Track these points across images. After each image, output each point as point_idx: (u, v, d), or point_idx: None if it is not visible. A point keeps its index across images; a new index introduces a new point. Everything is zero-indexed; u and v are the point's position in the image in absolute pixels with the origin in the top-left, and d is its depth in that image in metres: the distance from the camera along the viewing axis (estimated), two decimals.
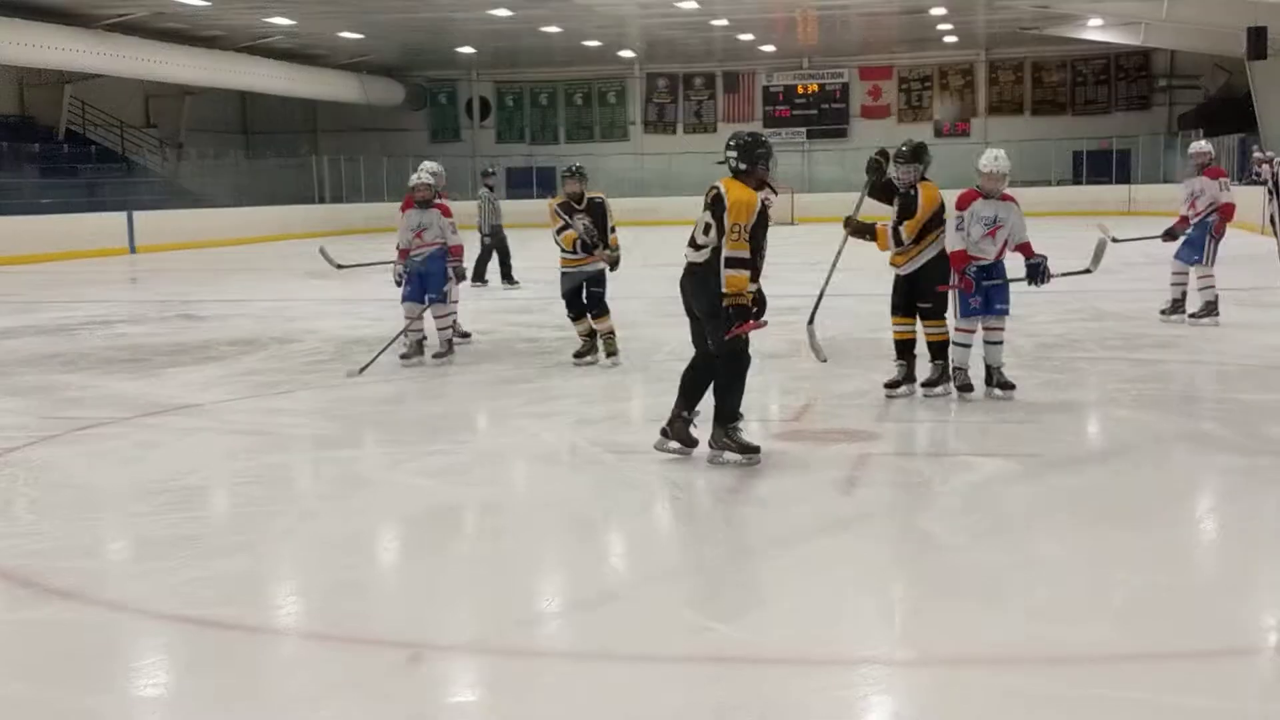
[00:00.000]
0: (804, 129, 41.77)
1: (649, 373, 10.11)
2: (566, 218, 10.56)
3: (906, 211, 8.49)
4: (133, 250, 28.11)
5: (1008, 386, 8.46)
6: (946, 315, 8.58)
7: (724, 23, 33.46)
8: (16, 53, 28.06)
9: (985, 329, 8.51)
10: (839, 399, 8.71)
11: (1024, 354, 10.40)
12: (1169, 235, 12.26)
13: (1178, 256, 12.37)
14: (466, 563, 5.54)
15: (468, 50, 38.82)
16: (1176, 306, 12.34)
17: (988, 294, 8.42)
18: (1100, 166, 38.22)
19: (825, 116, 41.69)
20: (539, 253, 22.67)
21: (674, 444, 6.93)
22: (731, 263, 6.55)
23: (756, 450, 6.78)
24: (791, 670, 4.16)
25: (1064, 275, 8.79)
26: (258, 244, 31.48)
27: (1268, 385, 9.23)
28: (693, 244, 6.84)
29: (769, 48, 39.11)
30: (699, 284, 6.76)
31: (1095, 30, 34.20)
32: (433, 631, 4.59)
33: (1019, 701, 3.87)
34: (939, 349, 8.60)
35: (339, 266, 12.67)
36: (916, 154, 8.64)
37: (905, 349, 8.69)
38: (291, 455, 7.79)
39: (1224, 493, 6.52)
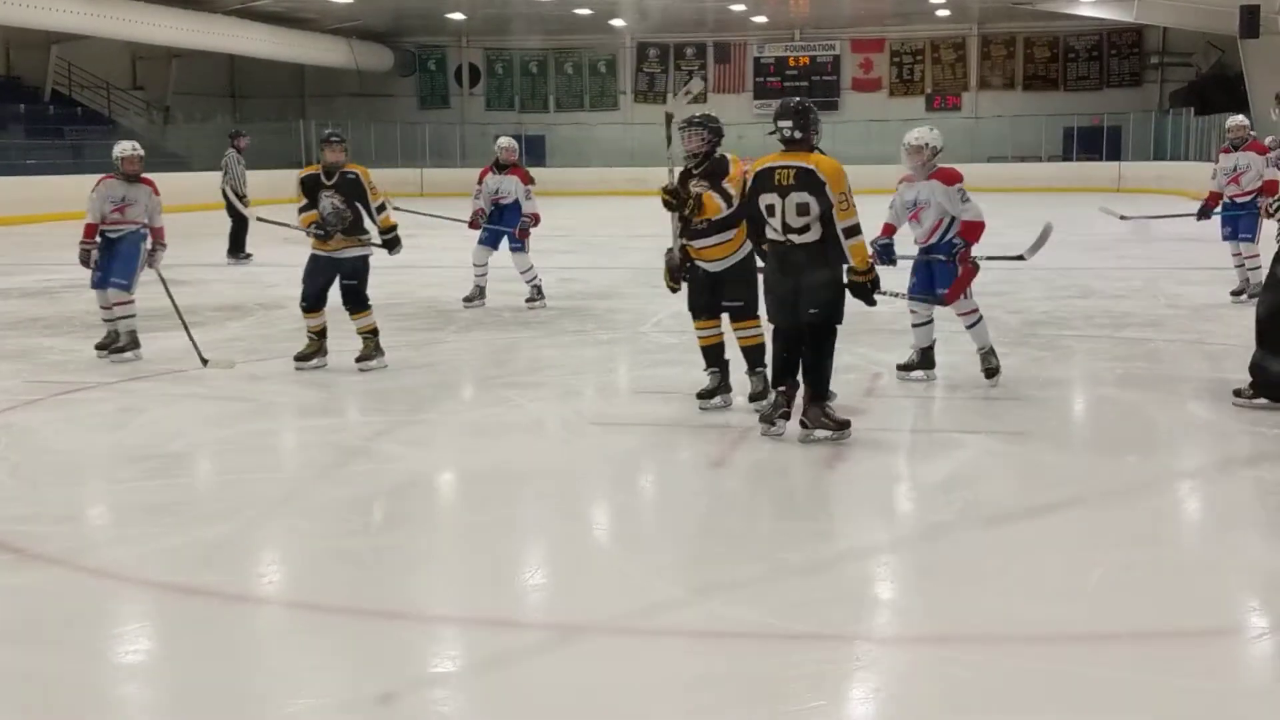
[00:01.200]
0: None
1: (636, 344, 10.10)
2: (309, 195, 9.35)
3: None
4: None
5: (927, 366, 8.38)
6: (760, 314, 7.40)
7: None
8: (3, 12, 27.82)
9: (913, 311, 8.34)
10: None
11: (1010, 331, 10.41)
12: (1203, 214, 12.34)
13: (1231, 238, 12.29)
14: (450, 533, 5.54)
15: (458, 17, 38.64)
16: (1247, 284, 12.09)
17: (922, 274, 8.23)
18: (1091, 143, 38.17)
19: (816, 89, 41.49)
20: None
21: (820, 431, 6.70)
22: (851, 231, 6.55)
23: (848, 424, 6.72)
24: (773, 645, 4.17)
25: (993, 259, 8.61)
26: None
27: None
28: (788, 229, 6.63)
29: (760, 19, 38.99)
30: (813, 261, 6.62)
31: (1088, 6, 34.16)
32: (416, 601, 4.58)
33: (996, 680, 3.88)
34: (756, 355, 7.50)
35: (395, 208, 12.93)
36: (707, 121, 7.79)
37: (714, 355, 7.58)
38: (275, 423, 7.77)
39: (1206, 473, 6.53)
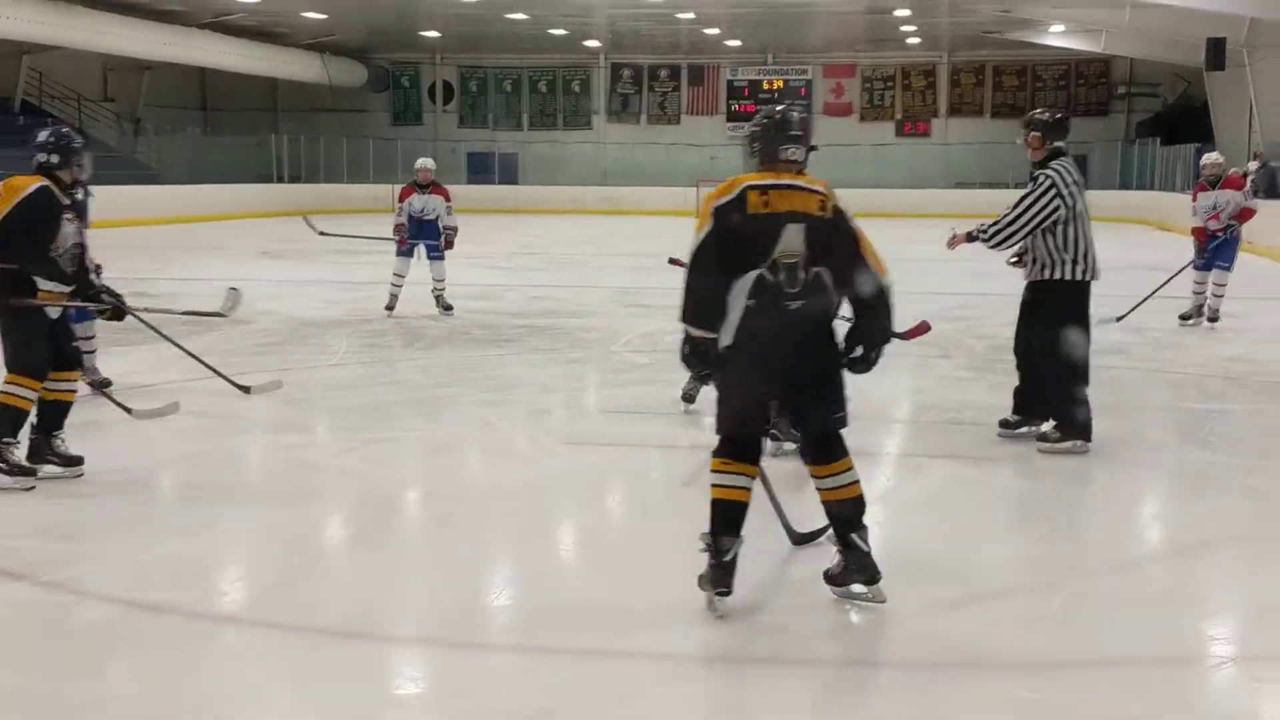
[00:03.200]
0: None
1: (606, 363, 10.12)
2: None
3: None
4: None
5: None
6: None
7: (690, 16, 33.46)
8: None
9: None
10: None
11: (976, 356, 10.48)
12: (1201, 254, 12.61)
13: (1205, 267, 12.61)
14: (415, 552, 5.54)
15: (432, 34, 38.65)
16: (1200, 311, 12.65)
17: None
18: None
19: None
20: (500, 237, 22.72)
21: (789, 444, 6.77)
22: None
23: None
24: (740, 667, 4.19)
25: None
26: (214, 222, 31.21)
27: (1215, 394, 9.32)
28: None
29: (734, 42, 39.13)
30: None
31: (1057, 36, 34.42)
32: (379, 622, 4.58)
33: (960, 705, 3.90)
34: None
35: (321, 233, 13.32)
36: None
37: None
38: (242, 439, 7.74)
39: (1168, 501, 6.59)
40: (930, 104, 41.65)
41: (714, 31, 36.67)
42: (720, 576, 4.52)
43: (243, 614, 4.71)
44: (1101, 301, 13.88)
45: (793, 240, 4.45)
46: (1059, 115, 7.39)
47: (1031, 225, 7.03)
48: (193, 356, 9.01)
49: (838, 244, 4.54)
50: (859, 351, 4.63)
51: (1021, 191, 7.15)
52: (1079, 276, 7.07)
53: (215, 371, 8.80)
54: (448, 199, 13.17)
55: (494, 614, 4.71)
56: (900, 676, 4.18)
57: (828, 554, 5.40)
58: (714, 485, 4.61)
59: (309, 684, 4.01)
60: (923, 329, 8.21)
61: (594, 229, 28.80)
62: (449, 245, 13.03)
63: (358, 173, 40.53)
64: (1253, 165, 26.07)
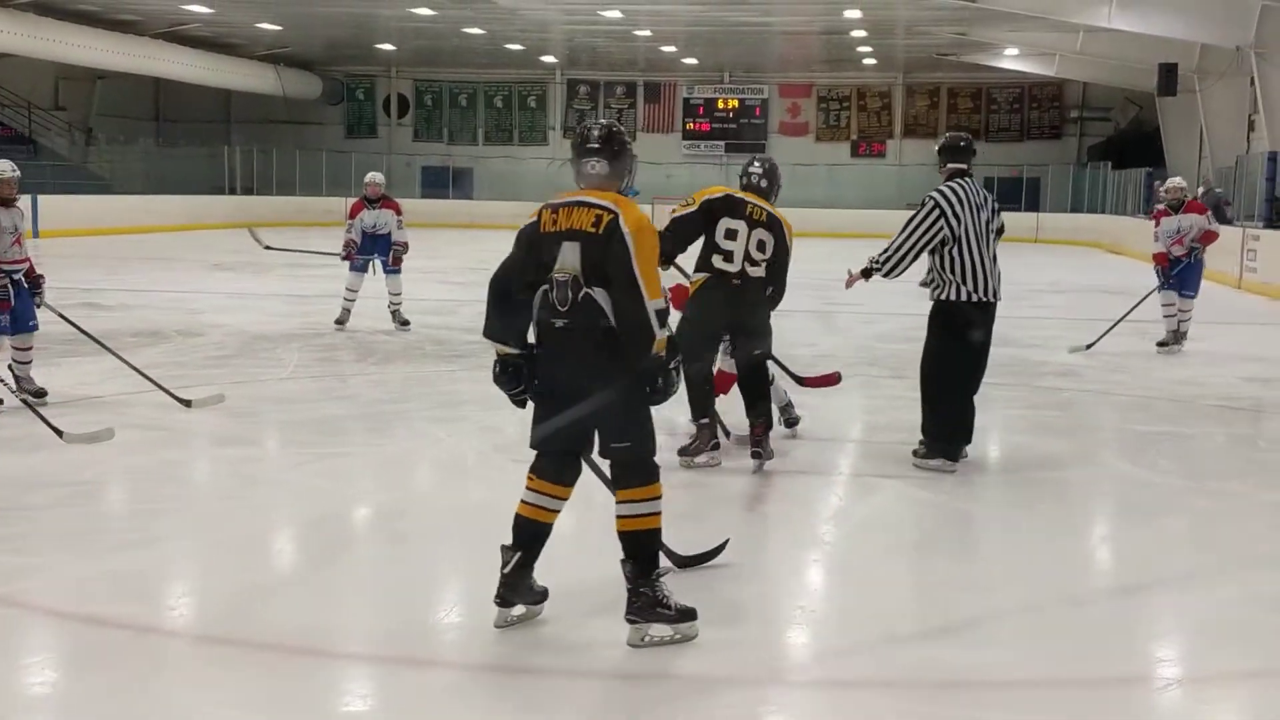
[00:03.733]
0: (722, 143, 41.92)
1: None
2: None
3: None
4: (36, 235, 27.48)
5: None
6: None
7: (647, 33, 33.53)
8: None
9: None
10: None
11: None
12: (1166, 277, 12.59)
13: (1172, 288, 12.59)
14: (365, 568, 5.49)
15: (388, 47, 38.54)
16: (1177, 337, 12.61)
17: None
18: (1011, 193, 38.73)
19: (744, 131, 41.86)
20: (454, 252, 22.78)
21: (704, 457, 7.17)
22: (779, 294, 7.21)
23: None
24: (691, 688, 4.17)
25: None
26: (166, 233, 31.00)
27: (1164, 416, 9.40)
28: (751, 260, 6.96)
29: (691, 60, 39.24)
30: (761, 299, 7.07)
31: (1010, 60, 34.74)
32: (328, 638, 4.54)
33: None
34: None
35: (267, 248, 13.22)
36: None
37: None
38: (190, 452, 7.67)
39: (1116, 523, 6.63)
40: (885, 125, 41.89)
41: (671, 49, 36.77)
42: (503, 585, 4.54)
43: (190, 629, 4.66)
44: (1056, 324, 14.03)
45: (568, 258, 4.40)
46: (962, 141, 7.41)
47: (917, 248, 7.07)
48: (134, 369, 8.94)
49: (609, 263, 4.35)
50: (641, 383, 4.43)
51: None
52: (962, 298, 7.05)
53: (156, 384, 8.72)
54: (399, 213, 13.13)
55: (443, 631, 4.68)
56: (851, 694, 4.18)
57: (774, 579, 5.40)
58: (520, 500, 4.62)
59: (257, 700, 3.96)
60: (832, 380, 8.23)
61: None
62: (397, 262, 12.96)
63: (311, 185, 40.36)
64: (1199, 190, 26.39)
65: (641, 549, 4.51)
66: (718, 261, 6.95)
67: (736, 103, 42.12)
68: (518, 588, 4.54)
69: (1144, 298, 12.81)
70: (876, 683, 4.25)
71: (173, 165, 37.53)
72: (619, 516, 4.53)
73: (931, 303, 7.22)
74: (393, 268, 12.97)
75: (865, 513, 6.52)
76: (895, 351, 12.12)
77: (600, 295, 4.36)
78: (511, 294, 4.49)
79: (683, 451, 7.09)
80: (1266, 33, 22.94)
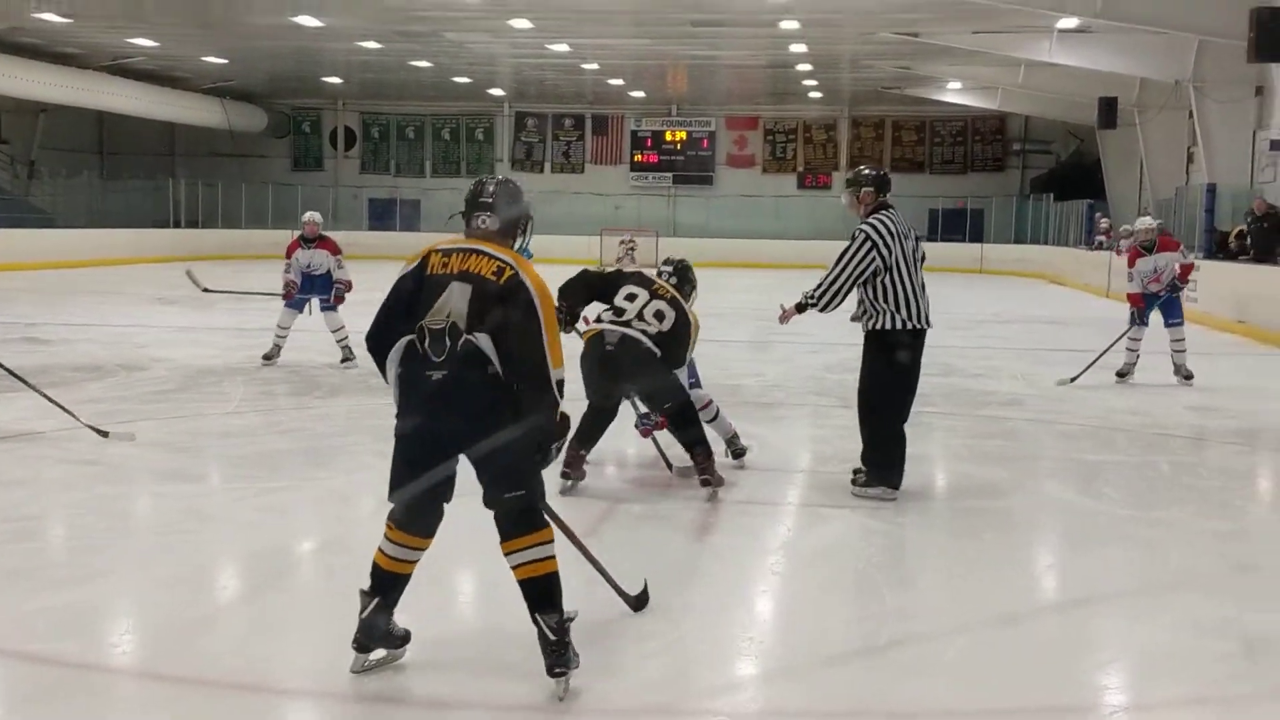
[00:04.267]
0: (670, 175, 42.07)
1: None
2: None
3: None
4: None
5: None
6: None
7: (594, 67, 33.62)
8: None
9: None
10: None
11: None
12: (1142, 319, 12.51)
13: (1144, 325, 12.54)
14: (307, 604, 5.44)
15: (335, 80, 38.46)
16: (1130, 370, 12.54)
17: None
18: (955, 225, 39.11)
19: (691, 163, 42.04)
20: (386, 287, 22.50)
21: (572, 480, 7.32)
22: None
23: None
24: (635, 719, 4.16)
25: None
26: (110, 267, 30.75)
27: (1108, 445, 9.48)
28: (640, 319, 7.15)
29: (638, 93, 39.39)
30: (651, 358, 7.12)
31: (954, 93, 35.08)
32: (271, 672, 4.49)
33: None
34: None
35: (205, 289, 13.00)
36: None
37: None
38: (132, 488, 7.58)
39: (1060, 551, 6.67)
40: (831, 157, 42.15)
41: (618, 82, 36.90)
42: (360, 630, 4.41)
43: (133, 666, 4.61)
44: (1000, 354, 14.12)
45: (454, 300, 4.24)
46: (882, 171, 7.60)
47: (852, 280, 7.16)
48: (47, 398, 8.85)
49: (510, 316, 4.22)
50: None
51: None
52: (897, 325, 7.15)
53: (70, 414, 8.65)
54: (335, 252, 12.90)
55: (387, 667, 4.64)
56: None
57: (723, 610, 5.38)
58: (378, 549, 4.49)
59: None
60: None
61: None
62: (340, 300, 12.79)
63: (257, 218, 40.16)
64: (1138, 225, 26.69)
65: (553, 593, 4.37)
66: (606, 317, 7.23)
67: (684, 135, 42.28)
68: (375, 632, 4.42)
69: (1119, 338, 12.67)
70: (823, 713, 4.25)
71: (117, 199, 37.27)
72: (518, 566, 4.38)
73: (865, 333, 7.30)
74: (327, 305, 12.84)
75: (813, 543, 6.53)
76: (842, 381, 12.15)
77: (484, 342, 4.21)
78: (394, 342, 4.35)
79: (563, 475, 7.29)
80: (1204, 67, 23.29)
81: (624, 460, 8.19)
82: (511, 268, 4.28)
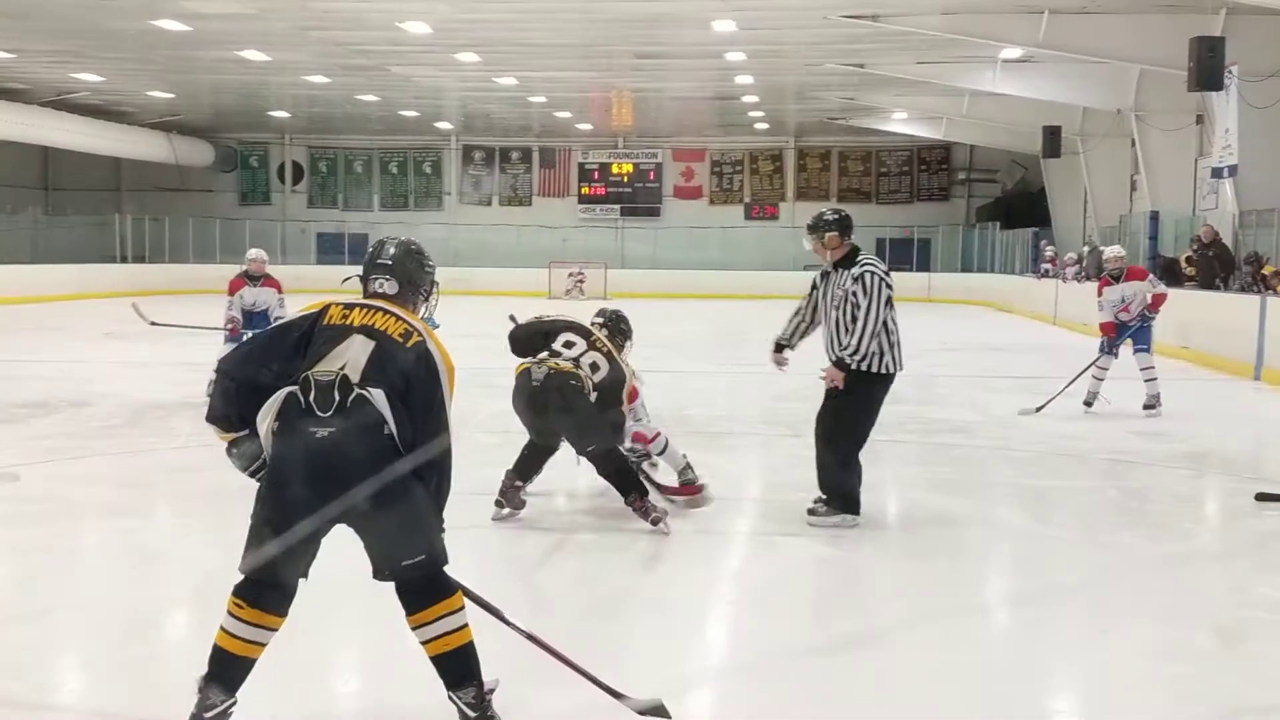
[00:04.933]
0: (618, 206, 42.16)
1: (456, 446, 10.01)
2: None
3: None
4: None
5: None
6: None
7: (542, 99, 33.70)
8: None
9: None
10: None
11: None
12: (1112, 348, 12.45)
13: (1112, 354, 12.47)
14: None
15: (281, 114, 38.35)
16: (1094, 399, 12.42)
17: None
18: (902, 254, 39.36)
19: (639, 195, 42.15)
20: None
21: (507, 510, 7.31)
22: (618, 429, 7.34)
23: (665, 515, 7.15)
24: None
25: None
26: (55, 302, 30.46)
27: (1057, 471, 9.55)
28: (574, 363, 7.08)
29: (585, 126, 39.50)
30: (572, 400, 7.01)
31: (899, 123, 35.37)
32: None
33: None
34: None
35: (152, 323, 12.92)
36: None
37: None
38: (80, 524, 7.50)
39: (1014, 574, 6.72)
40: (778, 188, 42.36)
41: (565, 115, 36.99)
42: None
43: (80, 705, 4.56)
44: (949, 381, 14.21)
45: (353, 353, 3.96)
46: (842, 214, 7.52)
47: (880, 326, 7.15)
48: None
49: (414, 381, 3.98)
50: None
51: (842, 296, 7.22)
52: (883, 369, 7.22)
53: None
54: (280, 291, 12.76)
55: (338, 700, 4.60)
56: None
57: (674, 639, 5.38)
58: (220, 627, 4.05)
59: None
60: (695, 493, 8.14)
61: (446, 310, 28.63)
62: None
63: (205, 253, 39.91)
64: (1084, 250, 27.01)
65: (470, 666, 4.07)
66: (545, 355, 7.19)
67: (631, 167, 42.39)
68: None
69: (1087, 367, 12.60)
70: None
71: (62, 234, 36.96)
72: (429, 641, 4.06)
73: (849, 370, 7.16)
74: None
75: (766, 571, 6.55)
76: (793, 410, 12.18)
77: (379, 399, 3.90)
78: (253, 383, 4.04)
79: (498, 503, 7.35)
80: (1145, 96, 23.63)
81: (574, 492, 8.17)
82: (419, 334, 4.04)
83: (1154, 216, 23.66)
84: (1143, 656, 5.17)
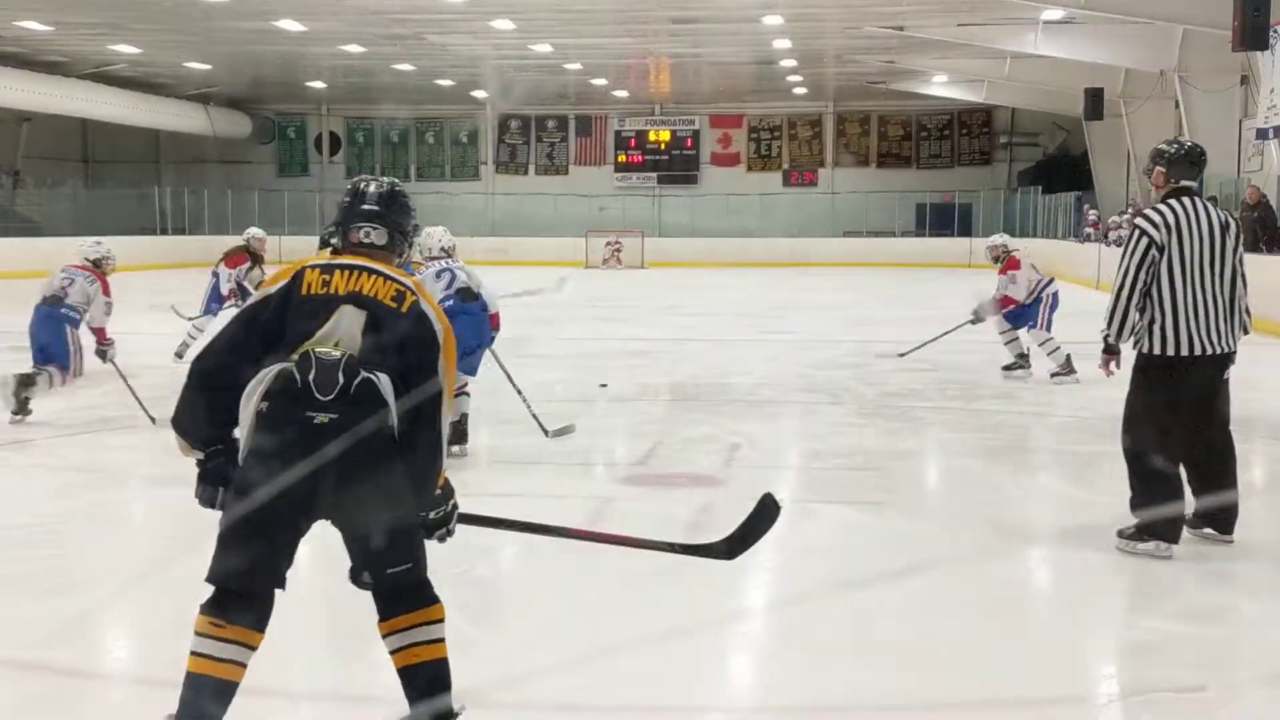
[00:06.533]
0: (655, 174, 42.08)
1: (495, 414, 10.05)
2: None
3: None
4: None
5: None
6: None
7: (577, 67, 33.63)
8: None
9: None
10: (686, 443, 8.75)
11: (866, 403, 10.59)
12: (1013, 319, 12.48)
13: (1034, 327, 12.43)
14: (308, 606, 5.43)
15: (318, 85, 38.44)
16: (1023, 359, 12.42)
17: None
18: (943, 219, 39.14)
19: (676, 163, 42.04)
20: None
21: None
22: None
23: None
24: (627, 717, 4.16)
25: None
26: None
27: (1100, 436, 9.47)
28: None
29: (621, 93, 39.39)
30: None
31: (939, 86, 35.10)
32: (271, 676, 4.47)
33: None
34: None
35: (190, 319, 13.30)
36: None
37: None
38: (126, 494, 7.58)
39: (1056, 542, 6.68)
40: (817, 154, 42.17)
41: (601, 82, 36.90)
42: None
43: (125, 672, 4.61)
44: (991, 347, 14.15)
45: (346, 327, 3.48)
46: (1184, 146, 6.07)
47: (1131, 287, 5.97)
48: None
49: (412, 349, 3.51)
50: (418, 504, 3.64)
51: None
52: (1155, 350, 6.06)
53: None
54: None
55: (383, 667, 4.63)
56: (791, 718, 4.19)
57: (713, 606, 5.39)
58: (193, 652, 3.54)
59: None
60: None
61: (482, 280, 28.70)
62: None
63: (243, 224, 39.86)
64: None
65: (442, 682, 3.70)
66: None
67: (668, 134, 42.28)
68: None
69: (960, 325, 12.92)
70: (819, 707, 4.25)
71: (102, 206, 37.14)
72: (400, 650, 3.70)
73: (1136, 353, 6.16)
74: None
75: (805, 539, 6.53)
76: (831, 378, 12.19)
77: (385, 385, 3.45)
78: (232, 384, 3.53)
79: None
80: (1189, 57, 23.36)
81: (613, 460, 8.19)
82: (411, 292, 3.57)
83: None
84: (1189, 621, 5.14)
